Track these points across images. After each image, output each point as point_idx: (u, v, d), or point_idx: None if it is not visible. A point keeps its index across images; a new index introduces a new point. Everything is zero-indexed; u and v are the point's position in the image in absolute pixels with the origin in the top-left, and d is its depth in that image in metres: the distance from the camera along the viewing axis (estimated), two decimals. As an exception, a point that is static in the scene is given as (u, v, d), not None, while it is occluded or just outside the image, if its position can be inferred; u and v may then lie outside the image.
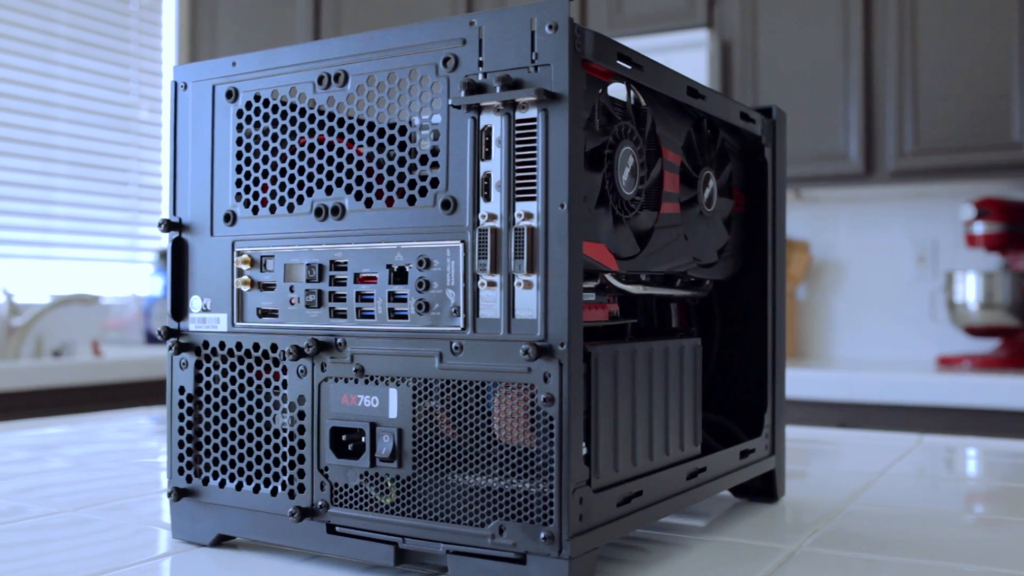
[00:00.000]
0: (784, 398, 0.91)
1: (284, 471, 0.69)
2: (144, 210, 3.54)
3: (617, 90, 0.68)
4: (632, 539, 0.75)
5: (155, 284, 3.40)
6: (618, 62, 0.65)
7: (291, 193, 0.69)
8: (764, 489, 0.90)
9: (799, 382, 2.40)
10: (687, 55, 2.72)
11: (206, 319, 0.73)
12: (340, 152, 0.67)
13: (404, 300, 0.65)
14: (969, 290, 2.57)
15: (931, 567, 0.69)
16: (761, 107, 0.90)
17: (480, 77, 0.61)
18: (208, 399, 0.73)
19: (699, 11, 2.80)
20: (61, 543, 0.76)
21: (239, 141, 0.72)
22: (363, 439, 0.66)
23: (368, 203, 0.66)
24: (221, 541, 0.73)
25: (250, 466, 0.71)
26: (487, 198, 0.61)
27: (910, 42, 2.55)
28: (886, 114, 2.58)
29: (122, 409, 1.75)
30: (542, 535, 0.59)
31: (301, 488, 0.68)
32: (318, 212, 0.68)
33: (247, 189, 0.71)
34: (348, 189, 0.67)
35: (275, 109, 0.71)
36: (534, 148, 0.60)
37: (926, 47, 2.54)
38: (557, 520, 0.59)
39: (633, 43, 2.68)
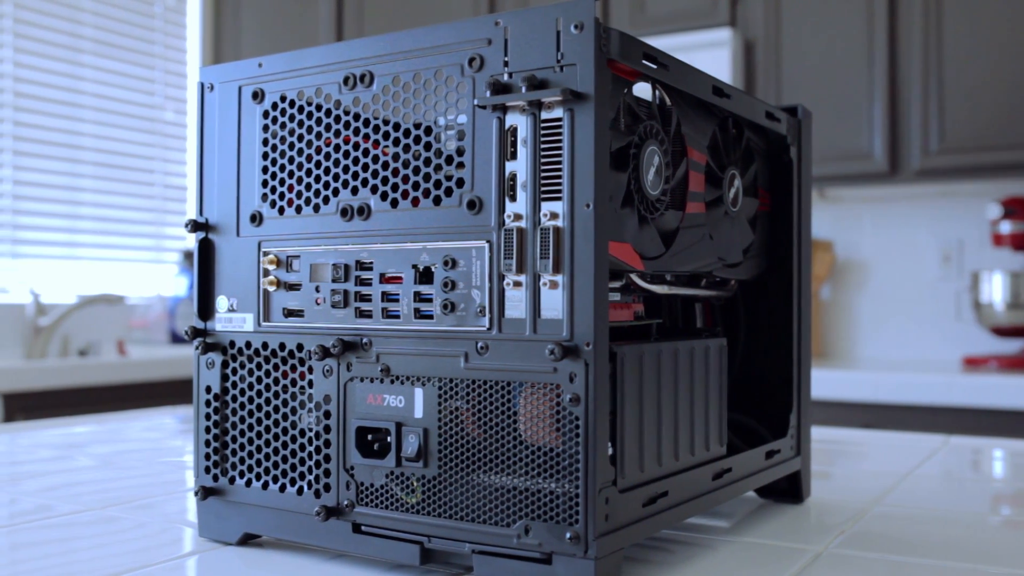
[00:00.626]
0: (810, 398, 0.91)
1: (310, 470, 0.69)
2: (169, 210, 3.56)
3: (642, 89, 0.68)
4: (657, 539, 0.75)
5: (180, 284, 3.43)
6: (644, 62, 0.65)
7: (317, 193, 0.70)
8: (789, 490, 0.89)
9: (823, 382, 2.39)
10: (710, 54, 2.71)
11: (232, 319, 0.73)
12: (366, 152, 0.68)
13: (430, 300, 0.65)
14: (995, 290, 2.55)
15: (958, 569, 0.68)
16: (787, 106, 0.90)
17: (506, 77, 0.62)
18: (234, 398, 0.73)
19: (722, 10, 2.79)
20: (88, 541, 0.77)
21: (265, 142, 0.72)
22: (389, 439, 0.66)
23: (394, 203, 0.66)
24: (247, 540, 0.74)
25: (276, 465, 0.71)
26: (513, 198, 0.61)
27: (935, 39, 2.53)
28: (911, 112, 2.56)
29: (147, 408, 1.77)
30: (568, 535, 0.59)
31: (327, 487, 0.68)
32: (344, 212, 0.68)
33: (273, 190, 0.72)
34: (374, 189, 0.67)
35: (301, 110, 0.71)
36: (560, 148, 0.60)
37: (951, 44, 2.52)
38: (583, 520, 0.58)
39: (655, 42, 2.67)
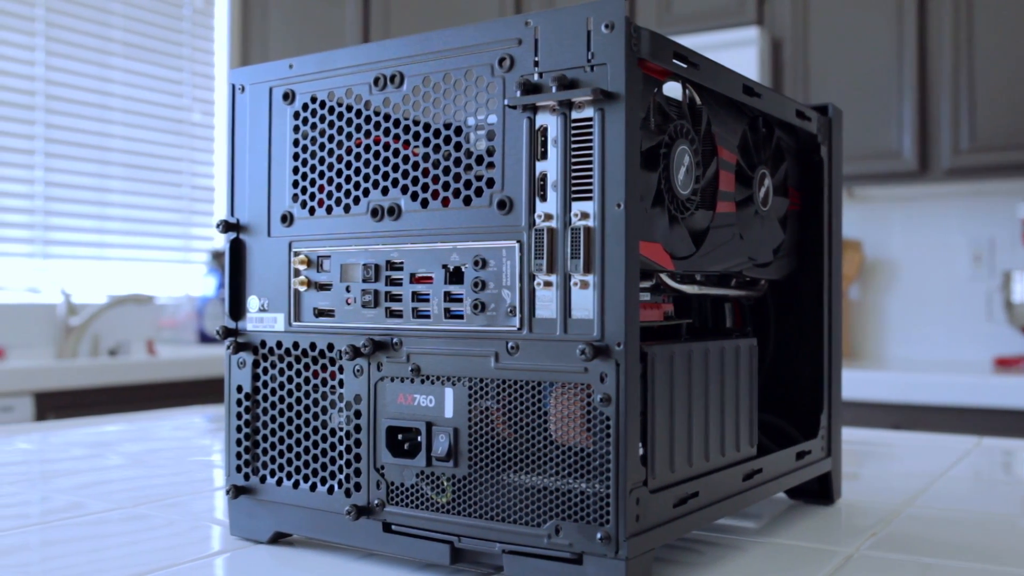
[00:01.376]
0: (840, 399, 0.90)
1: (340, 470, 0.70)
2: (197, 211, 3.59)
3: (672, 89, 0.68)
4: (686, 540, 0.75)
5: (208, 284, 3.45)
6: (674, 61, 0.64)
7: (347, 194, 0.70)
8: (820, 491, 0.89)
9: (852, 383, 2.37)
10: (737, 53, 2.69)
11: (263, 319, 0.74)
12: (396, 153, 0.68)
13: (460, 300, 0.65)
14: (1027, 290, 2.52)
15: (991, 572, 0.68)
16: (817, 104, 0.89)
17: (536, 77, 0.61)
18: (265, 398, 0.74)
19: (749, 8, 2.77)
20: (119, 538, 0.77)
21: (296, 142, 0.73)
22: (419, 438, 0.66)
23: (424, 203, 0.66)
24: (278, 539, 0.74)
25: (307, 464, 0.71)
26: (543, 198, 0.61)
27: (965, 36, 2.51)
28: (941, 111, 2.54)
29: (176, 407, 1.78)
30: (599, 535, 0.59)
31: (357, 487, 0.69)
32: (374, 212, 0.68)
33: (304, 190, 0.72)
34: (404, 190, 0.67)
35: (331, 110, 0.71)
36: (590, 148, 0.59)
37: (982, 41, 2.49)
38: (614, 520, 0.58)
39: (682, 41, 2.66)
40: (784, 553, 0.72)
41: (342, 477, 0.70)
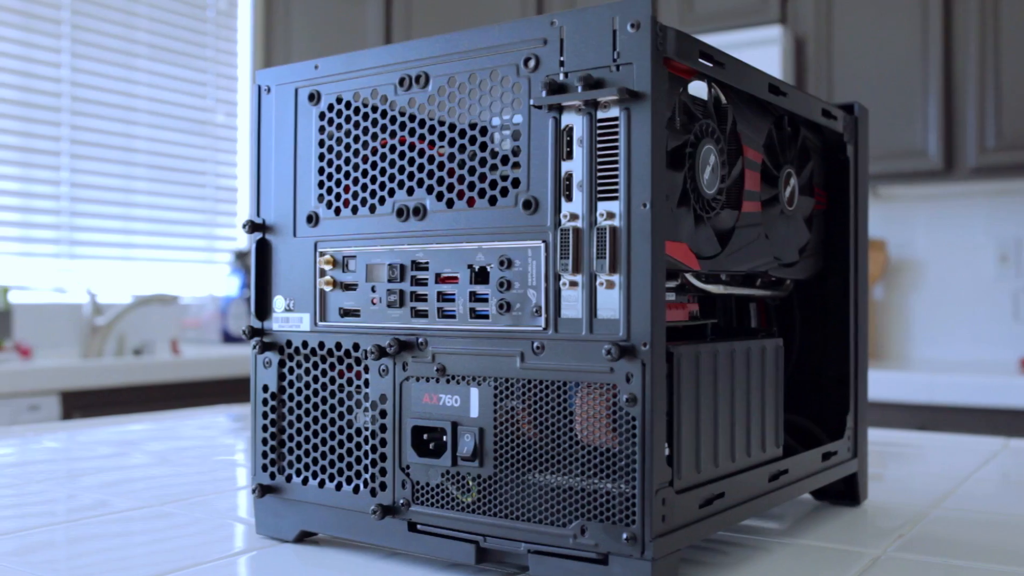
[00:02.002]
0: (867, 400, 0.89)
1: (366, 469, 0.70)
2: (220, 212, 3.61)
3: (698, 88, 0.68)
4: (712, 541, 0.75)
5: (231, 284, 3.47)
6: (700, 60, 0.64)
7: (373, 194, 0.70)
8: (846, 492, 0.88)
9: (877, 383, 2.35)
10: (760, 51, 2.68)
11: (289, 319, 0.74)
12: (421, 153, 0.68)
13: (485, 300, 0.65)
14: (1055, 290, 2.49)
15: (1020, 575, 0.67)
16: (843, 103, 0.89)
17: (561, 77, 0.61)
18: (291, 397, 0.74)
19: (772, 7, 2.76)
20: (145, 536, 0.78)
21: (321, 143, 0.73)
22: (444, 438, 0.66)
23: (449, 203, 0.66)
24: (303, 537, 0.74)
25: (332, 464, 0.72)
26: (568, 198, 0.61)
27: (991, 34, 2.49)
28: (967, 109, 2.52)
29: (200, 407, 1.79)
30: (625, 536, 0.58)
31: (383, 486, 0.69)
32: (400, 213, 0.69)
33: (329, 191, 0.72)
34: (429, 190, 0.67)
35: (357, 111, 0.71)
36: (616, 147, 0.59)
37: (1008, 39, 2.47)
38: (640, 521, 0.58)
39: (705, 40, 2.65)
40: (810, 554, 0.72)
41: (367, 476, 0.70)
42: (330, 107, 0.73)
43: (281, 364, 0.75)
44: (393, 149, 0.69)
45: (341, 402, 0.71)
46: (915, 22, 2.59)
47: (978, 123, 2.50)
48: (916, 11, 2.58)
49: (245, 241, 3.56)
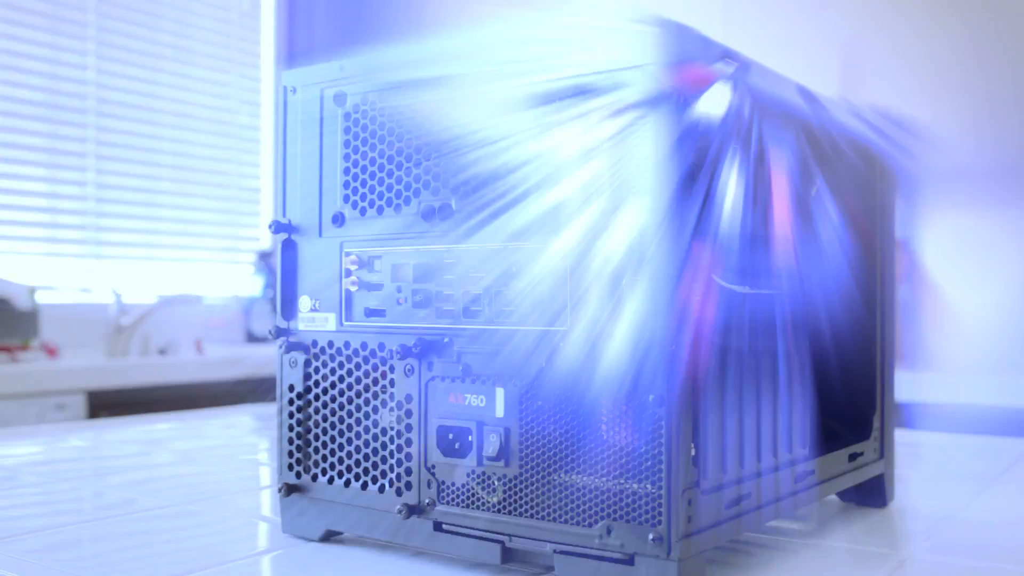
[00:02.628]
0: (894, 400, 0.89)
1: (391, 468, 0.70)
2: (244, 212, 3.63)
3: (719, 94, 0.67)
4: (737, 542, 0.74)
5: (255, 284, 3.48)
6: (722, 64, 0.64)
7: (399, 194, 0.70)
8: (873, 493, 0.88)
9: (902, 383, 2.33)
10: (784, 51, 2.67)
11: (315, 318, 0.74)
12: (447, 153, 0.68)
13: (510, 300, 0.65)
14: (1083, 290, 2.47)
15: (1054, 577, 0.66)
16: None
17: (575, 81, 0.61)
18: (317, 397, 0.74)
19: (796, 6, 2.74)
20: (171, 534, 0.78)
21: (347, 143, 0.73)
22: (470, 438, 0.66)
23: (474, 204, 0.66)
24: (329, 537, 0.75)
25: (358, 463, 0.72)
26: (588, 202, 0.61)
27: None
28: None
29: (224, 406, 1.80)
30: (651, 536, 0.58)
31: (408, 486, 0.69)
32: (426, 212, 0.69)
33: (355, 191, 0.73)
34: (455, 189, 0.67)
35: (382, 111, 0.71)
36: (633, 152, 0.59)
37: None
38: (666, 521, 0.58)
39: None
40: (836, 556, 0.71)
41: (393, 476, 0.70)
42: (356, 107, 0.73)
43: (307, 364, 0.75)
44: (419, 149, 0.69)
45: (367, 402, 0.72)
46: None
47: (1005, 122, 2.47)
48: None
49: (269, 241, 3.58)
